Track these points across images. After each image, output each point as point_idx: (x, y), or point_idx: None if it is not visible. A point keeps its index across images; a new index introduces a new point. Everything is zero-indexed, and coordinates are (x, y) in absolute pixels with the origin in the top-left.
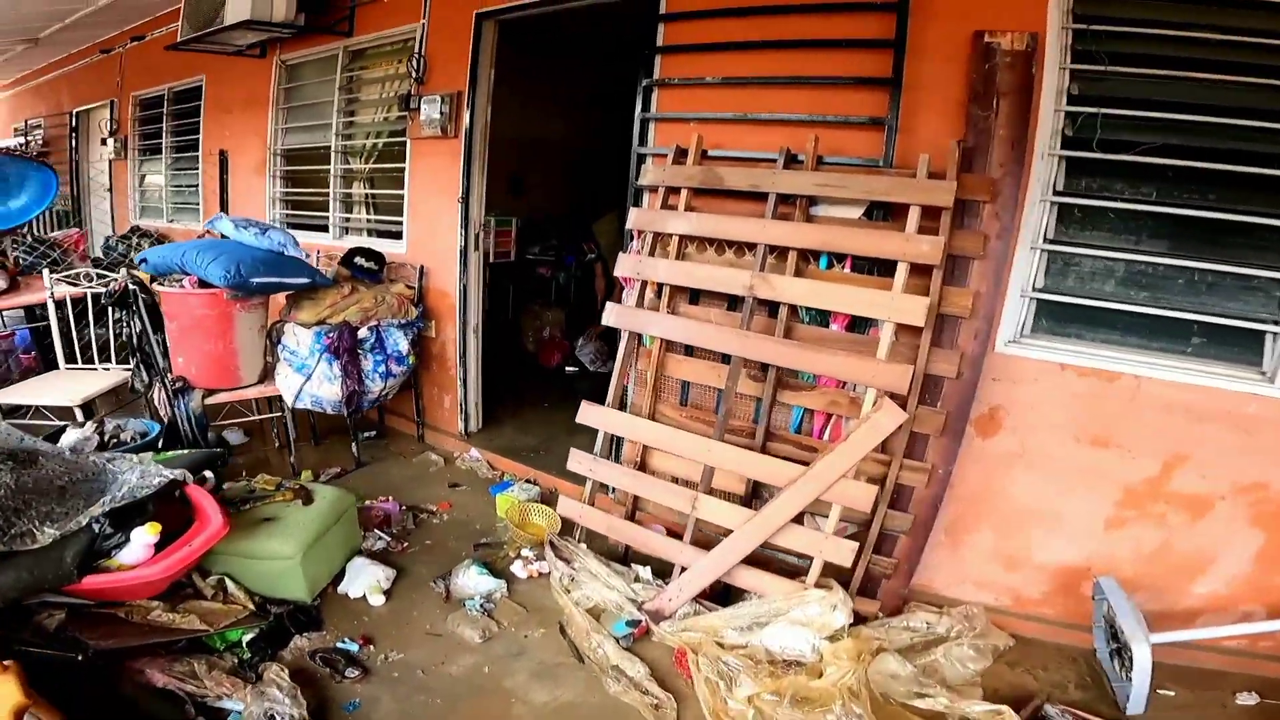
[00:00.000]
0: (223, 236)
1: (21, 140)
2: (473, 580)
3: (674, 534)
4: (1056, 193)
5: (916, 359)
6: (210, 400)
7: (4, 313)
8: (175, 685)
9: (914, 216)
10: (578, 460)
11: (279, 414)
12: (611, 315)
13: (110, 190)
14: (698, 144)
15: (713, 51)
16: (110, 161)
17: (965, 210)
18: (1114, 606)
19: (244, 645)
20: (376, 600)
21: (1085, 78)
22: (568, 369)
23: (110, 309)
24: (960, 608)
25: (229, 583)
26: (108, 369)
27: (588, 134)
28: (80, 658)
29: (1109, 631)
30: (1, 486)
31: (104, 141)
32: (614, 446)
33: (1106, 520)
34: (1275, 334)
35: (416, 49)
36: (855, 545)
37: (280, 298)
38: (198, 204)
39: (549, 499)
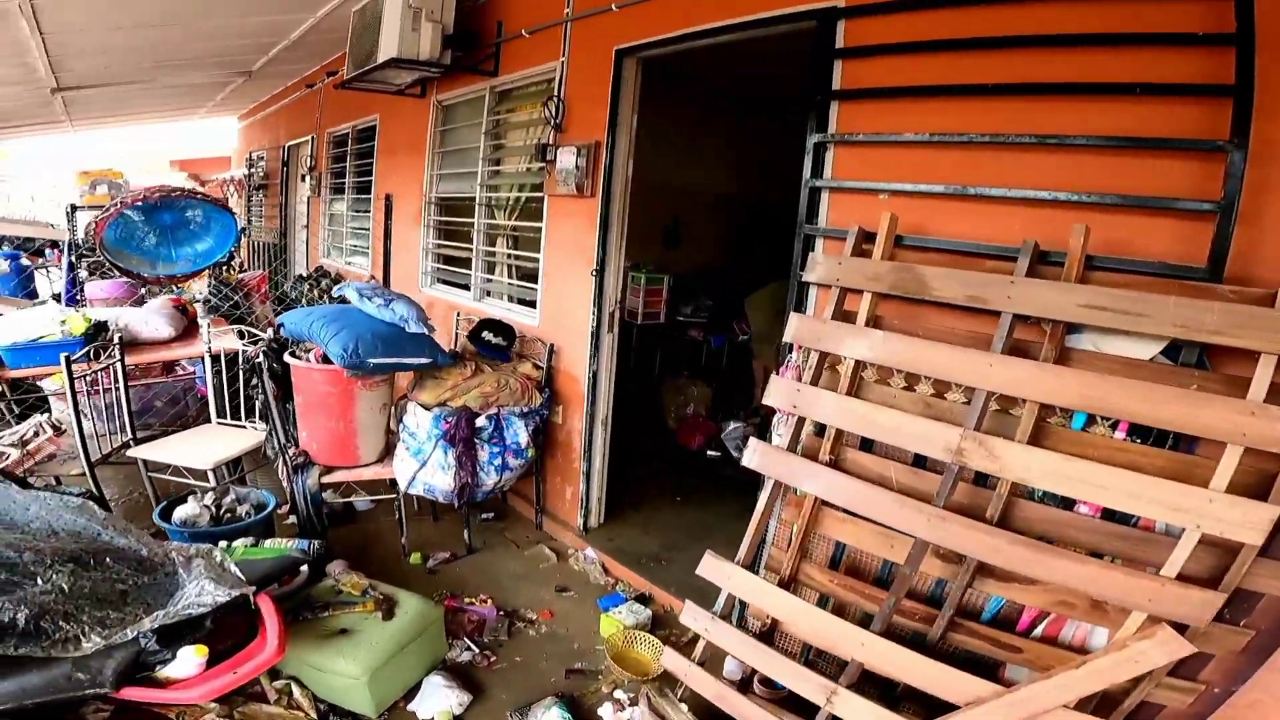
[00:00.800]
0: (345, 302)
1: (247, 171)
2: None
3: None
4: None
5: (1227, 575)
6: (328, 478)
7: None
8: None
9: (1266, 370)
10: (693, 615)
11: (394, 495)
12: (754, 456)
13: (306, 227)
14: (890, 227)
15: (914, 98)
16: (308, 198)
17: None
18: None
19: None
20: None
21: None
22: (710, 453)
23: (249, 373)
24: None
25: (295, 688)
26: (257, 428)
27: (756, 187)
28: None
29: None
30: (54, 590)
31: (303, 178)
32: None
33: None
34: None
35: (556, 91)
36: None
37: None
38: (368, 248)
39: (663, 621)
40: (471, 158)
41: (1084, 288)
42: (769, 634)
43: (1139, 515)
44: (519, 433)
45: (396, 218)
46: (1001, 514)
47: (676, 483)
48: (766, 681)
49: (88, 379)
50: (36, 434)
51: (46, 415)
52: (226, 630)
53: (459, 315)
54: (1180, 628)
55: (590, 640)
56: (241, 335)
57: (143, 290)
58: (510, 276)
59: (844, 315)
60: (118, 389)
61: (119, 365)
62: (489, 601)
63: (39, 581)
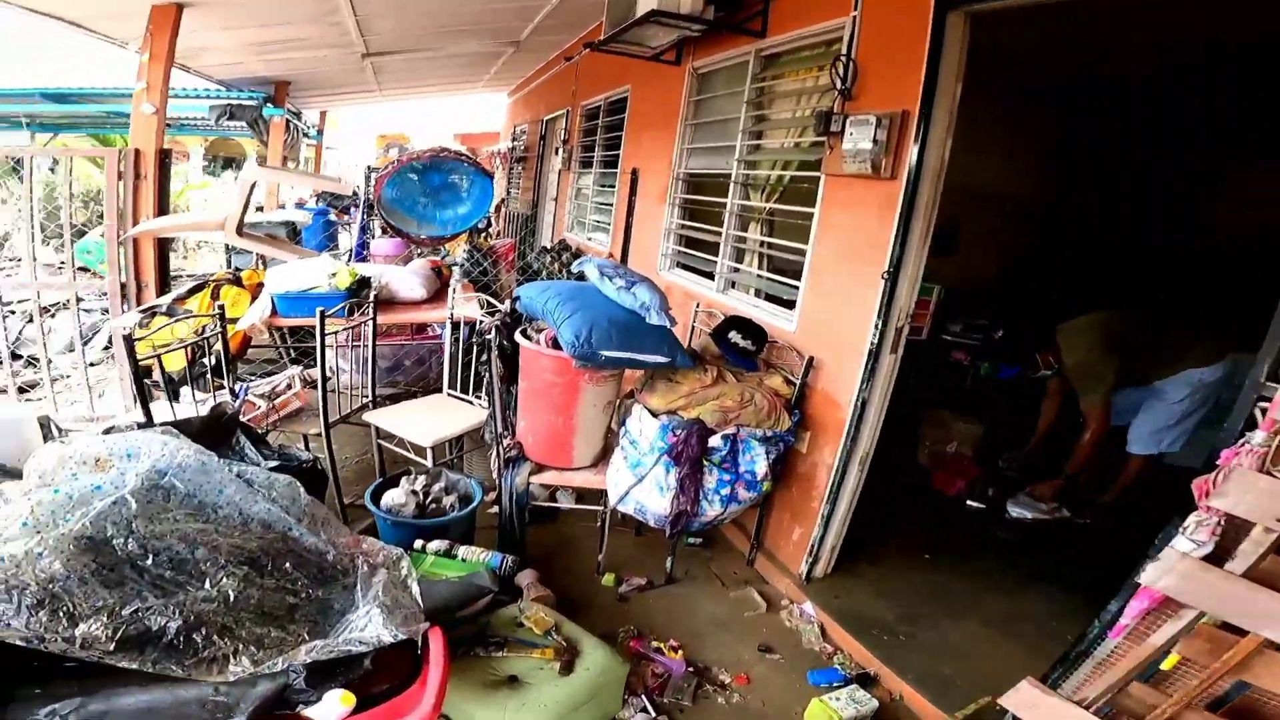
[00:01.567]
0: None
1: (510, 144)
2: None
3: None
4: None
5: None
6: (537, 478)
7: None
8: None
9: None
10: None
11: (601, 505)
12: (1169, 578)
13: (555, 200)
14: None
15: None
16: (559, 171)
17: None
18: None
19: None
20: None
21: None
22: (970, 503)
23: (481, 346)
24: None
25: None
26: (483, 406)
27: (1059, 195)
28: None
29: None
30: (218, 598)
31: (555, 151)
32: None
33: None
34: None
35: (845, 49)
36: None
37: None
38: (609, 224)
39: (889, 714)
40: (728, 131)
41: None
42: None
43: None
44: (757, 460)
45: (641, 194)
46: None
47: (927, 536)
48: None
49: (350, 333)
50: (289, 386)
51: (300, 368)
52: (385, 666)
53: (698, 306)
54: None
55: None
56: (484, 305)
57: (415, 250)
58: (761, 267)
59: None
60: (367, 347)
61: (371, 324)
62: (680, 652)
63: (206, 585)
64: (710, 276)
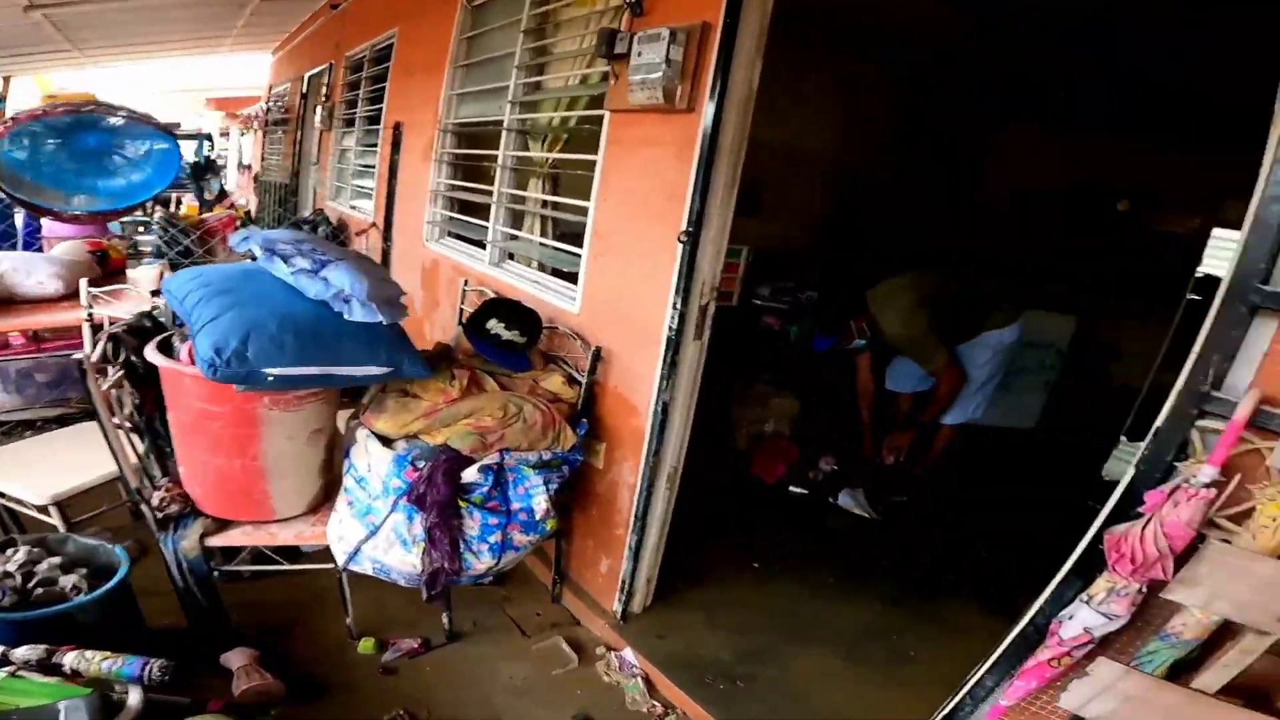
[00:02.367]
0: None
1: (265, 107)
2: None
3: None
4: None
5: None
6: (220, 538)
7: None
8: None
9: None
10: None
11: (333, 564)
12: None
13: (315, 164)
14: None
15: None
16: (320, 132)
17: None
18: None
19: None
20: None
21: None
22: (793, 488)
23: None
24: None
25: None
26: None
27: (870, 154)
28: None
29: None
30: None
31: (314, 109)
32: None
33: None
34: None
35: None
36: None
37: None
38: (374, 189)
39: None
40: (504, 70)
41: None
42: None
43: None
44: (534, 493)
45: (405, 151)
46: None
47: (752, 536)
48: None
49: None
50: None
51: None
52: None
53: (466, 284)
54: None
55: None
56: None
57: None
58: (544, 234)
59: None
60: None
61: None
62: None
63: None
64: (483, 247)
